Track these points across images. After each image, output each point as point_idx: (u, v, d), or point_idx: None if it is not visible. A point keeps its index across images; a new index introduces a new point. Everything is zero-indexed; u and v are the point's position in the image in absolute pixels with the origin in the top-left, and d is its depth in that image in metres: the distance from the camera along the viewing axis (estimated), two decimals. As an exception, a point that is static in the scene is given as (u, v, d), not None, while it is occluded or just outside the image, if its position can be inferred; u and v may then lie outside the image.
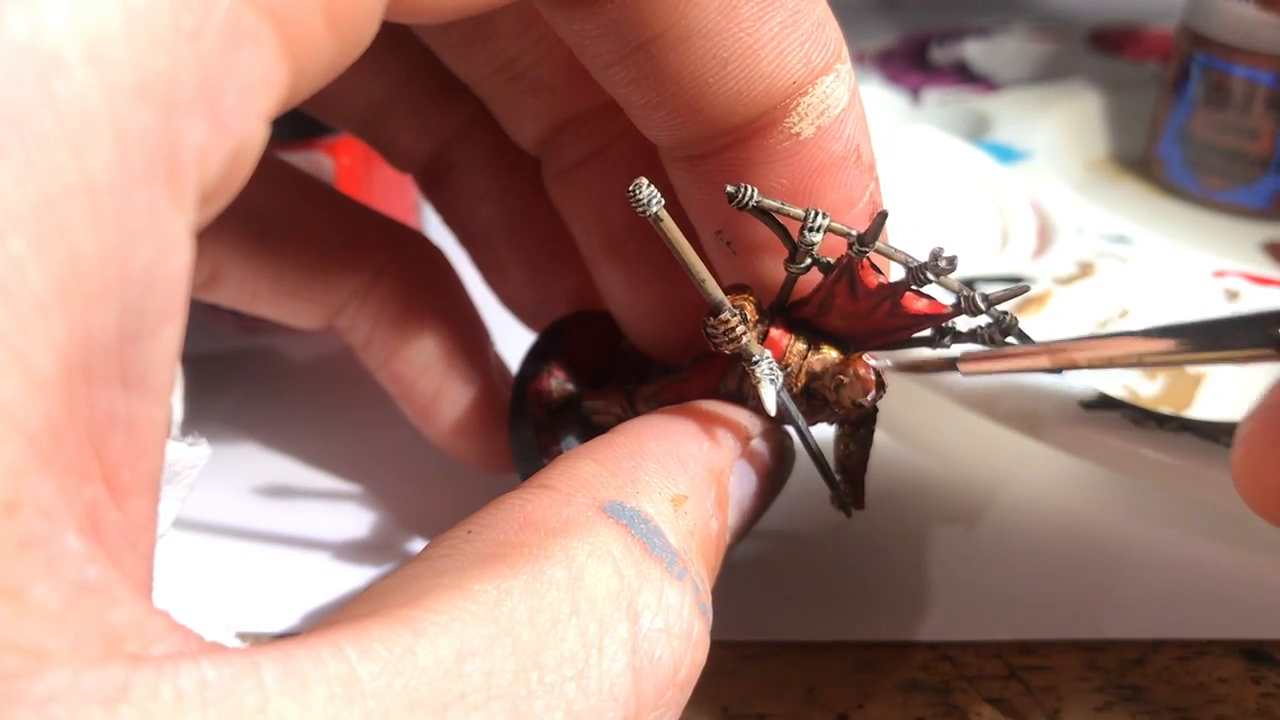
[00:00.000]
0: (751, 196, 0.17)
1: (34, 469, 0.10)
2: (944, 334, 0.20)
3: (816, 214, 0.18)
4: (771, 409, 0.18)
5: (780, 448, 0.21)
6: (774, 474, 0.20)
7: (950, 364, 0.20)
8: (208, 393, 0.30)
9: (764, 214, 0.18)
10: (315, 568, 0.25)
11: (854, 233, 0.18)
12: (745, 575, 0.24)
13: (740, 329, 0.18)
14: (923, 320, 0.19)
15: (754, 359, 0.18)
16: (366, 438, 0.29)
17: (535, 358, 0.23)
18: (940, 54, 0.46)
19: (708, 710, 0.21)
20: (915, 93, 0.43)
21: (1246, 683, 0.22)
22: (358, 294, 0.24)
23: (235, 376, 0.32)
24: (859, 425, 0.21)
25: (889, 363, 0.21)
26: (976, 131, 0.40)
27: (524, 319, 0.26)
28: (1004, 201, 0.35)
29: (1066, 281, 0.31)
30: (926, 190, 0.35)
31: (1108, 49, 0.47)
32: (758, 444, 0.20)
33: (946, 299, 0.18)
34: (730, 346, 0.18)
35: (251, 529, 0.26)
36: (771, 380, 0.18)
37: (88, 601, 0.10)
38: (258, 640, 0.23)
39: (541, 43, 0.21)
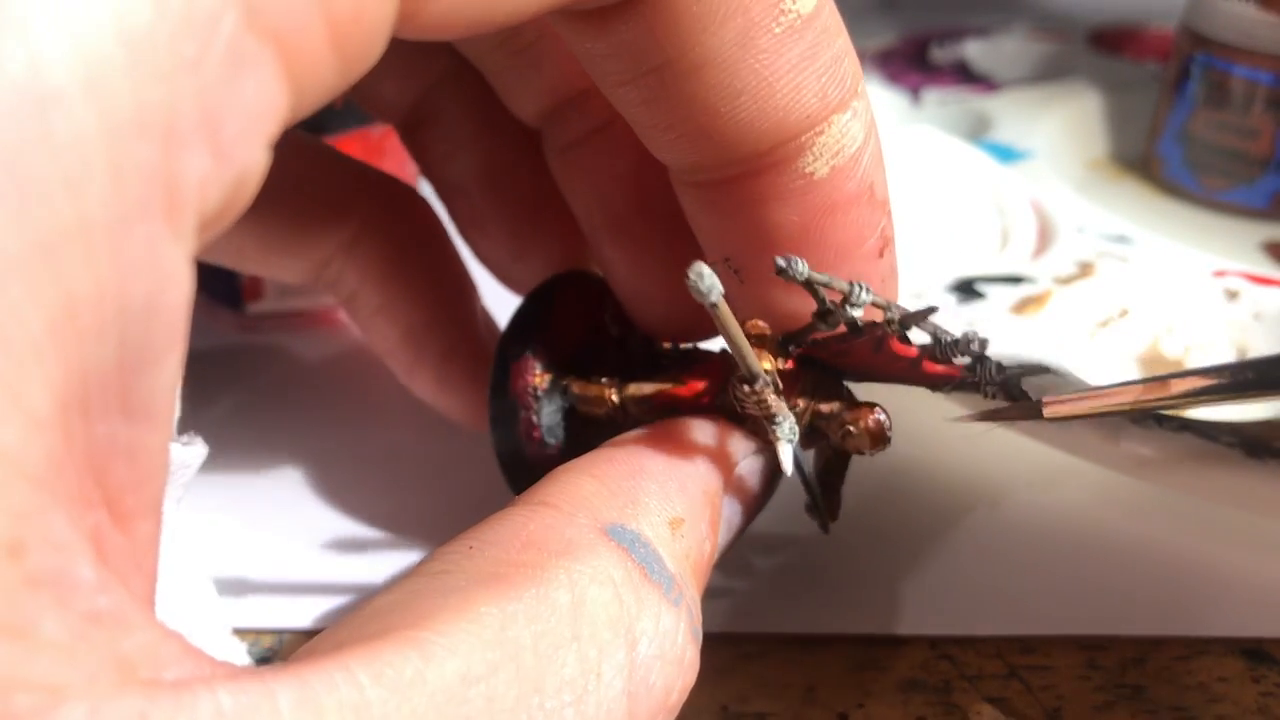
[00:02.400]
0: (802, 272, 0.17)
1: (40, 507, 0.10)
2: (947, 384, 0.20)
3: (861, 290, 0.18)
4: (788, 470, 0.18)
5: (771, 465, 0.21)
6: (764, 492, 0.20)
7: (1036, 411, 0.20)
8: (208, 392, 0.30)
9: (809, 286, 0.18)
10: (313, 566, 0.25)
11: (896, 310, 0.18)
12: (744, 568, 0.24)
13: (770, 395, 0.18)
14: (936, 379, 0.19)
15: (776, 419, 0.18)
16: (366, 437, 0.29)
17: (520, 334, 0.23)
18: (940, 54, 0.46)
19: (707, 709, 0.21)
20: (915, 93, 0.43)
21: (1246, 682, 0.22)
22: (344, 247, 0.24)
23: (235, 376, 0.32)
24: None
25: (966, 414, 0.21)
26: (976, 131, 0.40)
27: (500, 277, 0.26)
28: (1004, 201, 0.35)
29: (1066, 281, 0.31)
30: (926, 190, 0.35)
31: (1108, 49, 0.47)
32: (751, 461, 0.20)
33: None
34: (758, 411, 0.18)
35: (249, 528, 0.26)
36: (790, 440, 0.18)
37: (98, 632, 0.10)
38: (258, 637, 0.23)
39: (545, 18, 0.21)
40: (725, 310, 0.17)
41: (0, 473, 0.10)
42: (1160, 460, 0.24)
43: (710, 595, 0.18)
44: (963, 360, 0.18)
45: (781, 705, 0.22)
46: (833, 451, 0.21)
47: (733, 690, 0.22)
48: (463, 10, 0.14)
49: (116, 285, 0.10)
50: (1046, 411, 0.19)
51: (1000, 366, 0.18)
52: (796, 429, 0.18)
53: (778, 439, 0.18)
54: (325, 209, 0.24)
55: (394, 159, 0.34)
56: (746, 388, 0.18)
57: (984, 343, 0.18)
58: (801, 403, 0.20)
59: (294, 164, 0.24)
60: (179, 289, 0.11)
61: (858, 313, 0.18)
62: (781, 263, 0.17)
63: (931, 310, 0.18)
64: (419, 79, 0.24)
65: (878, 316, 0.18)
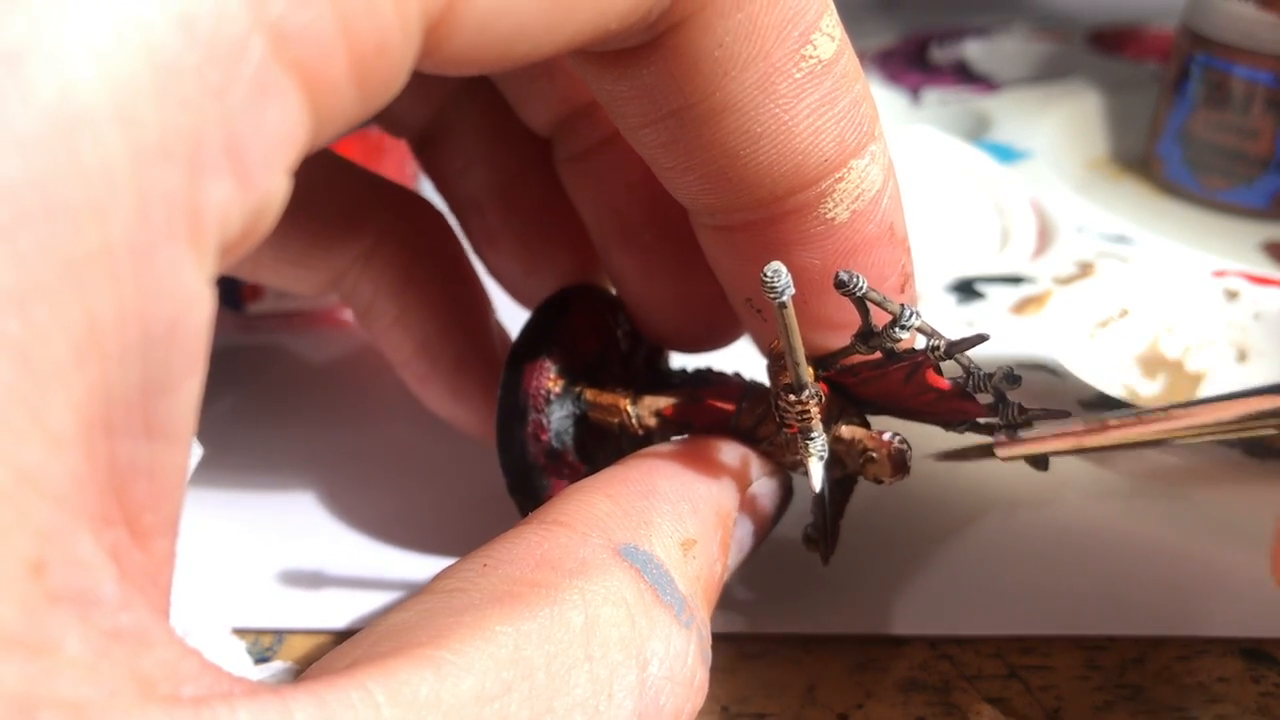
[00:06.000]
0: (861, 289, 0.17)
1: (62, 526, 0.10)
2: (963, 422, 0.20)
3: (911, 314, 0.18)
4: (817, 486, 0.18)
5: (783, 488, 0.21)
6: (775, 515, 0.21)
7: (989, 452, 0.20)
8: (207, 392, 0.30)
9: (861, 303, 0.18)
10: (313, 566, 0.25)
11: (941, 339, 0.18)
12: (745, 569, 0.24)
13: (814, 409, 0.18)
14: (961, 414, 0.19)
15: (811, 434, 0.18)
16: (366, 437, 0.29)
17: (535, 338, 0.23)
18: (940, 54, 0.46)
19: (707, 709, 0.21)
20: (915, 93, 0.43)
21: (1246, 682, 0.22)
22: (359, 259, 0.24)
23: (235, 376, 0.32)
24: (845, 477, 0.21)
25: (931, 454, 0.21)
26: (976, 131, 0.40)
27: (511, 291, 0.26)
28: (1004, 201, 0.35)
29: (1066, 281, 0.31)
30: (926, 190, 0.35)
31: (1108, 49, 0.47)
32: (764, 483, 0.20)
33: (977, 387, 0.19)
34: (798, 424, 0.18)
35: (249, 528, 0.26)
36: (820, 457, 0.18)
37: (120, 649, 0.11)
38: (258, 637, 0.23)
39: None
40: (792, 313, 0.17)
41: (22, 492, 0.10)
42: (1161, 461, 0.24)
43: (710, 595, 0.18)
44: (987, 397, 0.18)
45: (782, 705, 0.22)
46: (835, 486, 0.21)
47: (733, 690, 0.22)
48: (483, 49, 0.14)
49: (139, 309, 0.11)
50: (999, 452, 0.19)
51: (1022, 408, 0.19)
52: (827, 447, 0.18)
53: (809, 455, 0.18)
54: (341, 221, 0.24)
55: (393, 159, 0.34)
56: (792, 397, 0.18)
57: (1017, 379, 0.18)
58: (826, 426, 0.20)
59: (309, 176, 0.24)
60: (200, 313, 0.11)
61: (905, 335, 0.18)
62: (844, 276, 0.17)
63: (981, 339, 0.17)
64: (433, 96, 0.24)
65: (919, 344, 0.18)
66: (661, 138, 0.17)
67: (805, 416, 0.18)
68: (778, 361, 0.19)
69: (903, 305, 0.18)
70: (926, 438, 0.21)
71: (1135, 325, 0.29)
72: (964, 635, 0.23)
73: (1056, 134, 0.40)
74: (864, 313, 0.18)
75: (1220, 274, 0.31)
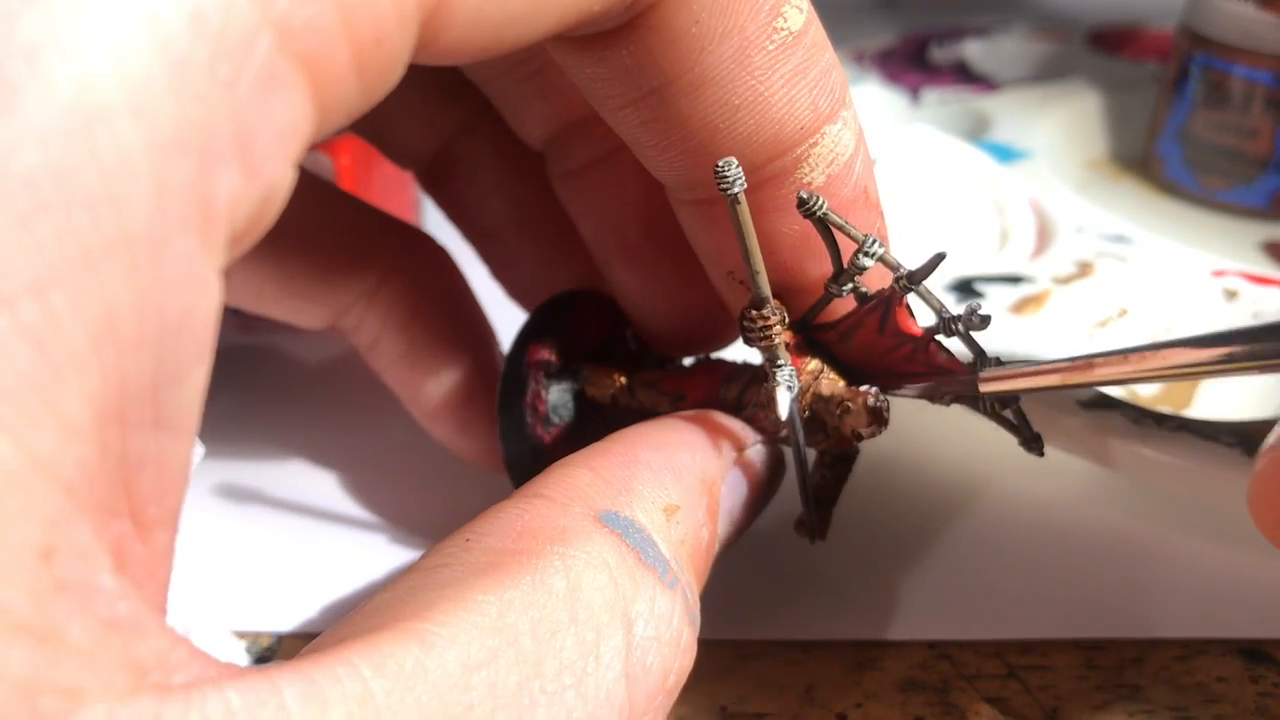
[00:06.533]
0: (821, 207, 0.18)
1: (70, 515, 0.10)
2: (947, 395, 0.20)
3: (874, 241, 0.18)
4: (784, 414, 0.18)
5: (773, 460, 0.21)
6: (765, 485, 0.21)
7: (973, 385, 0.20)
8: (207, 392, 0.30)
9: (824, 227, 0.18)
10: (313, 567, 0.25)
11: (904, 269, 0.18)
12: (743, 573, 0.24)
13: (777, 327, 0.18)
14: (938, 373, 0.19)
15: (778, 361, 0.18)
16: (365, 436, 0.29)
17: (541, 323, 0.23)
18: (940, 54, 0.46)
19: (706, 709, 0.21)
20: (915, 92, 0.43)
21: (1244, 682, 0.22)
22: (365, 295, 0.24)
23: (234, 375, 0.32)
24: (839, 459, 0.21)
25: (909, 390, 0.21)
26: (976, 131, 0.40)
27: (530, 308, 0.26)
28: (1003, 201, 0.35)
29: (1065, 281, 0.31)
30: (926, 190, 0.35)
31: (1108, 49, 0.46)
32: (752, 454, 0.20)
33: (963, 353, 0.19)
34: (762, 343, 0.19)
35: (249, 528, 0.26)
36: (789, 387, 0.18)
37: (115, 637, 0.11)
38: (258, 637, 0.23)
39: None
40: (746, 208, 0.17)
41: (34, 478, 0.10)
42: (1160, 460, 0.24)
43: (706, 600, 0.18)
44: (961, 333, 0.18)
45: (780, 705, 0.22)
46: (829, 467, 0.21)
47: (732, 691, 0.22)
48: (475, 37, 0.14)
49: (156, 298, 0.11)
50: (983, 387, 0.19)
51: (1000, 362, 0.19)
52: (796, 380, 0.19)
53: (777, 385, 0.18)
54: (348, 256, 0.24)
55: (391, 164, 0.34)
56: (754, 312, 0.18)
57: (985, 319, 0.18)
58: (805, 381, 0.20)
59: (316, 210, 0.24)
60: (210, 303, 0.12)
61: (869, 262, 0.18)
62: (804, 195, 0.18)
63: (940, 257, 0.18)
64: (441, 126, 0.25)
65: (887, 279, 0.18)
66: (642, 116, 0.18)
67: (768, 332, 0.18)
68: (747, 312, 0.19)
69: (865, 234, 0.18)
70: (920, 434, 0.21)
71: (1134, 325, 0.29)
72: (963, 639, 0.23)
73: (1056, 134, 0.40)
74: (828, 238, 0.18)
75: (1219, 274, 0.31)
